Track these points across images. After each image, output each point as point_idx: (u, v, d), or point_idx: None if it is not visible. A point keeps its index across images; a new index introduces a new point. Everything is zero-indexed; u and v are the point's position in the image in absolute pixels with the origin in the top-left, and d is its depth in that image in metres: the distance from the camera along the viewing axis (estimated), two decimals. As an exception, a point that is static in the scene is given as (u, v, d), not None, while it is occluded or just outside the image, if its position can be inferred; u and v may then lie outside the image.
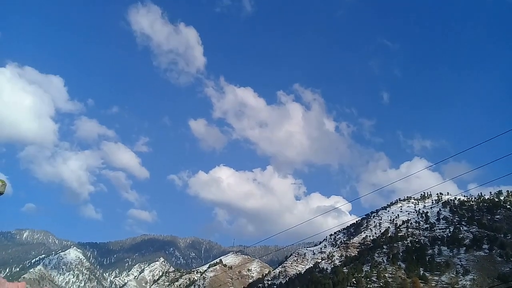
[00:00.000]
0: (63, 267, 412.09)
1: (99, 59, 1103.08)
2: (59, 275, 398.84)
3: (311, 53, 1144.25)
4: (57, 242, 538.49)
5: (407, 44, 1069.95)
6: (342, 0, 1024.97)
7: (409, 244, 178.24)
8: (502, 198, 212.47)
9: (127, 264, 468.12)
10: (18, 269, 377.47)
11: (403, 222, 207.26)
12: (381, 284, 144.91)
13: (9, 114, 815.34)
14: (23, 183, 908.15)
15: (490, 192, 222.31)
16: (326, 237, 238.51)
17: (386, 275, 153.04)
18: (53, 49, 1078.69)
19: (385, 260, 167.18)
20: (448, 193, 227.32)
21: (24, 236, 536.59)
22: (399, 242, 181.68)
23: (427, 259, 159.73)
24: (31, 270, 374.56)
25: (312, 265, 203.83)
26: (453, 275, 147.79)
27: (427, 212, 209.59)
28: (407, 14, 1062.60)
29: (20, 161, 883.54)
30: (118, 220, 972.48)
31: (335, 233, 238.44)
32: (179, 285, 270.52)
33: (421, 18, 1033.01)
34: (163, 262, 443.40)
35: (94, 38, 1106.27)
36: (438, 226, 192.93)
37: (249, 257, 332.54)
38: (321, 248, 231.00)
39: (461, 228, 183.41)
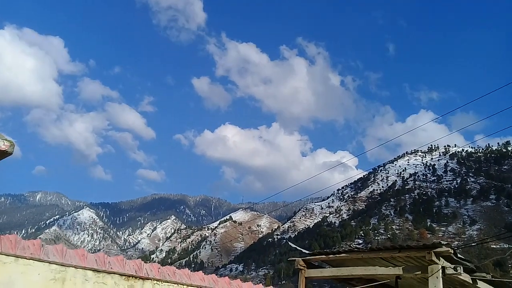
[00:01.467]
0: (77, 227, 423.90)
1: (98, 19, 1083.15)
2: (74, 235, 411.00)
3: (313, 5, 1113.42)
4: (70, 203, 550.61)
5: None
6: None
7: (416, 197, 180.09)
8: (510, 148, 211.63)
9: (139, 222, 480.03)
10: (33, 230, 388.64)
11: (410, 175, 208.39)
12: (388, 235, 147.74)
13: (13, 78, 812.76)
14: (31, 146, 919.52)
15: (498, 143, 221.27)
16: (334, 191, 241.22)
17: (394, 227, 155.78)
18: (51, 9, 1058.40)
19: (392, 213, 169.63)
20: (455, 145, 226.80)
21: (37, 198, 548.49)
22: (406, 195, 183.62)
23: (434, 210, 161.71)
24: (47, 230, 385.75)
25: (320, 219, 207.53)
26: (460, 226, 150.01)
27: (434, 164, 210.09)
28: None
29: (27, 124, 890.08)
30: (128, 180, 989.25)
31: (342, 187, 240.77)
32: (191, 241, 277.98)
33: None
34: (174, 220, 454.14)
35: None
36: (445, 178, 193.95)
37: (258, 213, 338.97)
38: (328, 203, 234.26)
39: (468, 179, 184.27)
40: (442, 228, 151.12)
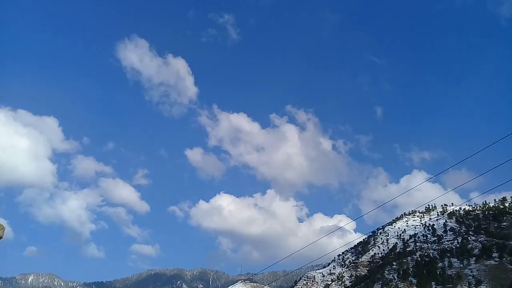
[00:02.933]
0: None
1: (91, 98, 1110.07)
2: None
3: (300, 74, 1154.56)
4: (62, 284, 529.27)
5: (394, 58, 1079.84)
6: (325, 21, 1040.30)
7: (419, 259, 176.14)
8: (506, 204, 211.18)
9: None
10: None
11: (410, 236, 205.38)
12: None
13: (7, 158, 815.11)
14: (23, 226, 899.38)
15: (494, 200, 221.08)
16: (334, 257, 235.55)
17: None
18: (45, 91, 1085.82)
19: (395, 277, 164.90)
20: (452, 203, 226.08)
21: (29, 281, 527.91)
22: (408, 257, 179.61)
23: (438, 272, 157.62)
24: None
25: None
26: (466, 287, 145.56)
27: (433, 224, 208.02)
28: (389, 29, 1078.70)
29: (19, 205, 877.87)
30: (122, 256, 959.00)
31: (343, 253, 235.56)
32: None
33: (403, 32, 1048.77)
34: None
35: (85, 77, 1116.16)
36: (446, 238, 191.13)
37: (257, 284, 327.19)
38: (330, 270, 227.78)
39: (469, 238, 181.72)
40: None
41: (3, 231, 3.34)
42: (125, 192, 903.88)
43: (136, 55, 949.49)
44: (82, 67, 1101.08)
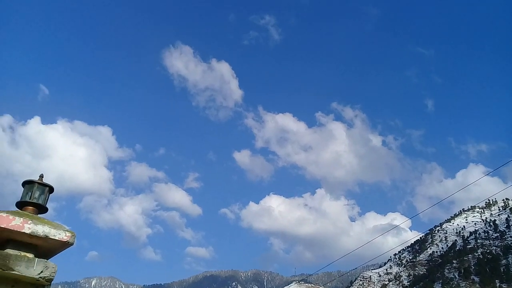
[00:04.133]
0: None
1: (142, 106, 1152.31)
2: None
3: (344, 70, 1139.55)
4: (123, 287, 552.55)
5: (441, 48, 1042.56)
6: (367, 16, 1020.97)
7: (481, 256, 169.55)
8: None
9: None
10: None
11: (471, 233, 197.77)
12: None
13: (67, 168, 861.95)
14: (85, 232, 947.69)
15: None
16: (390, 257, 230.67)
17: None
18: (98, 102, 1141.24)
19: (456, 276, 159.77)
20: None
21: (92, 284, 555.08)
22: (469, 255, 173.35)
23: (502, 270, 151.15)
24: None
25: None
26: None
27: (495, 220, 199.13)
28: (434, 19, 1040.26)
29: (80, 212, 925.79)
30: (178, 259, 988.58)
31: (399, 252, 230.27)
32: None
33: (449, 21, 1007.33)
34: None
35: (135, 86, 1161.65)
36: (509, 234, 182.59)
37: (313, 285, 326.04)
38: (386, 269, 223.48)
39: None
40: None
41: (74, 238, 4.38)
42: (177, 196, 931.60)
43: (181, 62, 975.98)
44: (131, 77, 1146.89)
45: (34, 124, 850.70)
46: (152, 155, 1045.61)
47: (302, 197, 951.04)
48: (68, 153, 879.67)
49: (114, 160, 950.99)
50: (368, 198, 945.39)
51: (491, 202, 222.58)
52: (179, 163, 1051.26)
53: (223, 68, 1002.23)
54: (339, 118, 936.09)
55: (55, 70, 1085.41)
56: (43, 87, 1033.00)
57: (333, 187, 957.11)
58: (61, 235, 5.16)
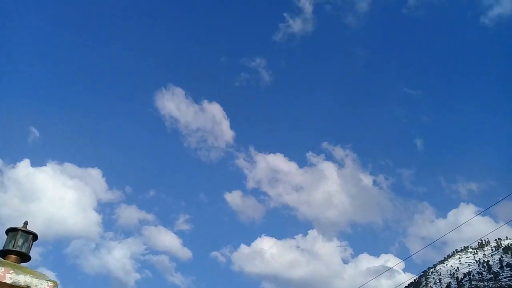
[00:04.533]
0: None
1: (133, 147, 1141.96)
2: None
3: (334, 111, 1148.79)
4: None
5: (429, 89, 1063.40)
6: (356, 57, 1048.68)
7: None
8: None
9: None
10: None
11: (465, 275, 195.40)
12: None
13: (56, 211, 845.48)
14: (71, 278, 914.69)
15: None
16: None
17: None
18: (89, 144, 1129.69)
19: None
20: (506, 237, 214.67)
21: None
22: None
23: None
24: None
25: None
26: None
27: (488, 261, 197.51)
28: (421, 60, 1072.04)
29: (67, 257, 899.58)
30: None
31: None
32: None
33: (436, 62, 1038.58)
34: None
35: (127, 128, 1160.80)
36: (503, 275, 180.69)
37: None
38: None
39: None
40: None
41: (57, 287, 4.22)
42: (167, 239, 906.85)
43: (173, 104, 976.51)
44: (123, 118, 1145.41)
45: (23, 167, 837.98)
46: (142, 197, 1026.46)
47: (294, 238, 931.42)
48: (57, 195, 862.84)
49: (104, 203, 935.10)
50: (360, 239, 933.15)
51: (484, 242, 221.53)
52: (170, 205, 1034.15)
53: (215, 109, 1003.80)
54: (330, 158, 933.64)
55: (46, 112, 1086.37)
56: (34, 129, 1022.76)
57: (325, 228, 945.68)
58: (43, 285, 5.06)
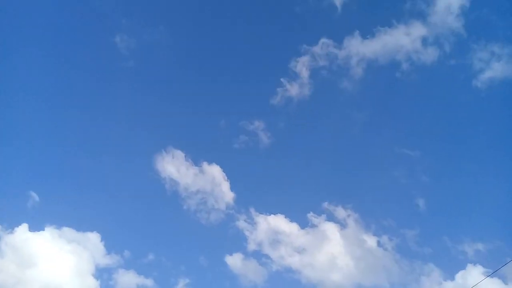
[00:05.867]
0: None
1: (132, 211, 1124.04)
2: None
3: (334, 170, 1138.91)
4: None
5: (427, 149, 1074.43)
6: (353, 119, 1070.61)
7: None
8: None
9: None
10: None
11: None
12: None
13: (52, 277, 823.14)
14: None
15: None
16: None
17: None
18: (88, 207, 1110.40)
19: None
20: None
21: None
22: None
23: None
24: None
25: None
26: None
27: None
28: (418, 121, 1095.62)
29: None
30: None
31: None
32: None
33: (432, 122, 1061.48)
34: None
35: (126, 192, 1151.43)
36: None
37: None
38: None
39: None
40: None
41: None
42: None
43: (173, 166, 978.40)
44: (123, 182, 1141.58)
45: (22, 232, 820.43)
46: (140, 261, 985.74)
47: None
48: (55, 261, 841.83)
49: (101, 268, 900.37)
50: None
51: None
52: (169, 269, 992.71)
53: (214, 171, 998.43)
54: (331, 218, 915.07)
55: (46, 177, 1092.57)
56: (33, 194, 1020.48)
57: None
58: None
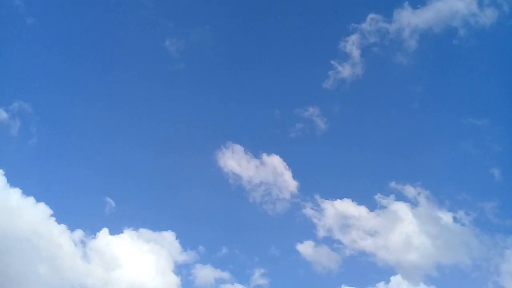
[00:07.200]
0: None
1: (201, 208, 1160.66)
2: None
3: (398, 150, 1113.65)
4: None
5: (495, 117, 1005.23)
6: (411, 92, 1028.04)
7: None
8: None
9: None
10: None
11: None
12: None
13: (136, 276, 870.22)
14: None
15: None
16: None
17: None
18: (160, 208, 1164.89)
19: None
20: None
21: None
22: None
23: None
24: None
25: None
26: None
27: None
28: (482, 89, 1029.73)
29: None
30: None
31: None
32: None
33: (496, 88, 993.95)
34: None
35: (194, 191, 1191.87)
36: None
37: None
38: None
39: None
40: None
41: None
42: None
43: (234, 161, 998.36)
44: (190, 182, 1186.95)
45: (103, 236, 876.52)
46: (215, 256, 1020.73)
47: (376, 287, 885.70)
48: (136, 261, 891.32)
49: (180, 264, 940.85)
50: (449, 281, 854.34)
51: None
52: (243, 261, 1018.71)
53: (275, 161, 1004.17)
54: (400, 198, 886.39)
55: (118, 182, 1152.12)
56: (109, 199, 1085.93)
57: (409, 273, 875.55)
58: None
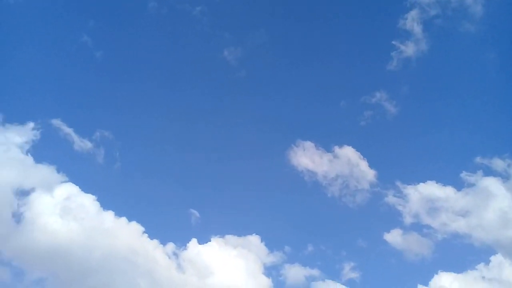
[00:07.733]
0: None
1: (281, 209, 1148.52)
2: None
3: (479, 121, 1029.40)
4: None
5: None
6: (483, 60, 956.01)
7: None
8: None
9: None
10: None
11: None
12: None
13: (229, 282, 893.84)
14: None
15: None
16: None
17: None
18: (243, 215, 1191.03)
19: None
20: None
21: None
22: None
23: None
24: None
25: None
26: None
27: None
28: None
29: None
30: None
31: None
32: None
33: None
34: None
35: (271, 192, 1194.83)
36: None
37: None
38: None
39: None
40: None
41: None
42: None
43: (306, 158, 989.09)
44: (266, 184, 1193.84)
45: (193, 247, 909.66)
46: (302, 254, 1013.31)
47: (476, 269, 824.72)
48: (227, 267, 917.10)
49: (269, 266, 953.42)
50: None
51: None
52: (331, 256, 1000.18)
53: (348, 153, 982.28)
54: (489, 172, 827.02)
55: (200, 193, 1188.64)
56: (193, 211, 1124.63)
57: (510, 250, 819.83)
58: None
